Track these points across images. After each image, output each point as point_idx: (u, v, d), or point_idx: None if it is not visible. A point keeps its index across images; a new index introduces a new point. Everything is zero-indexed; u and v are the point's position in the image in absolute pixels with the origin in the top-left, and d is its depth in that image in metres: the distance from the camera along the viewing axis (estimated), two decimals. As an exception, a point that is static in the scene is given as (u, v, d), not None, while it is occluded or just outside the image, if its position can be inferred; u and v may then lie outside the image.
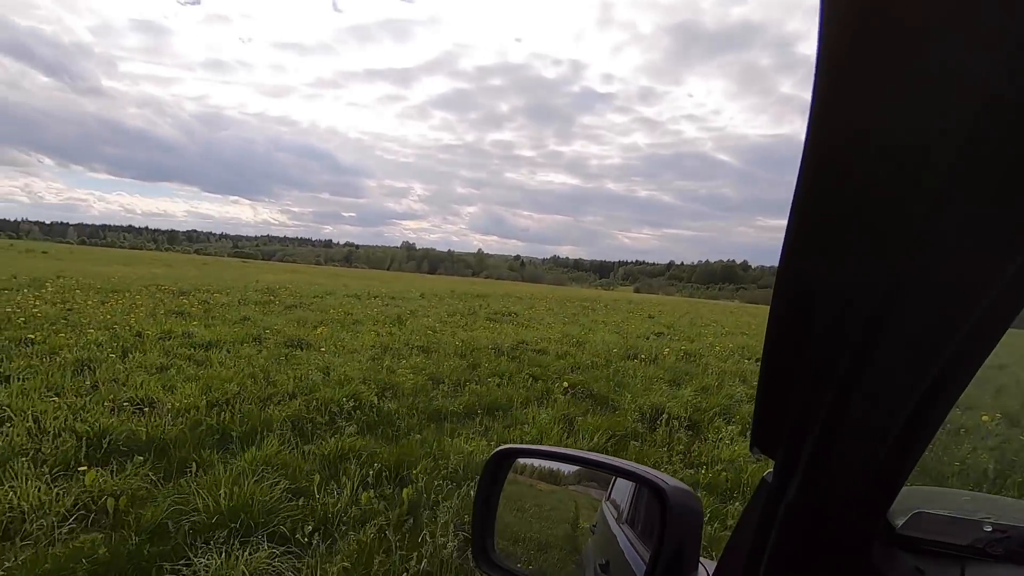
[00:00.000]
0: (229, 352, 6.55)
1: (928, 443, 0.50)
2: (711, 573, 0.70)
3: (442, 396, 5.51)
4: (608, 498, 0.90)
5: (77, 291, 11.67)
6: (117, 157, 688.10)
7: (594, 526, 0.91)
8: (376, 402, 4.91)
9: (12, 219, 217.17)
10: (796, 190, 0.37)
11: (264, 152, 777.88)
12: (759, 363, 0.50)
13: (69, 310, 8.73)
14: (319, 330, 8.63)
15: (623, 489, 0.86)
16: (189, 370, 5.50)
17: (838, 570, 0.58)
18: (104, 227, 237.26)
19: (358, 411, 4.65)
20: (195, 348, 6.60)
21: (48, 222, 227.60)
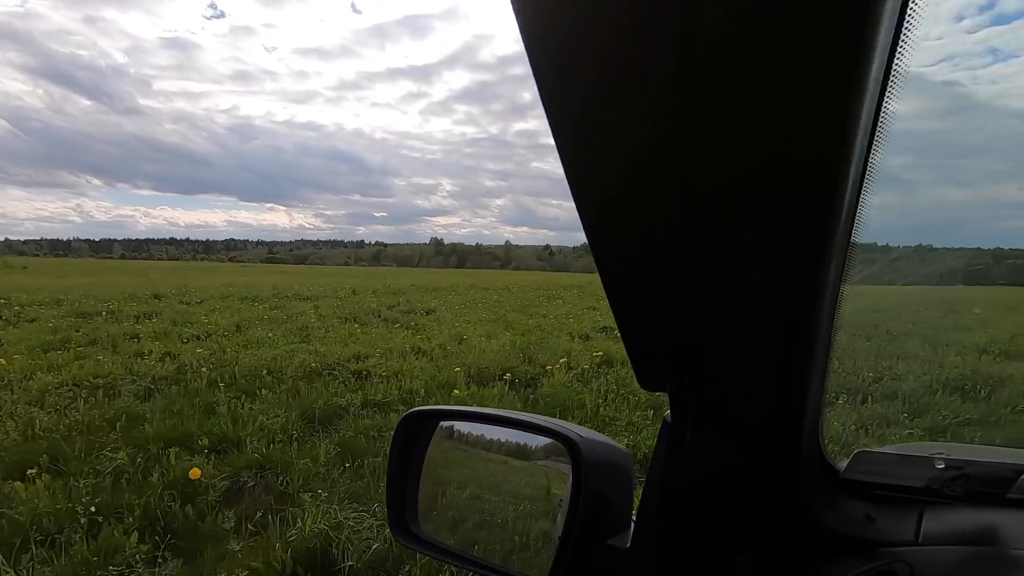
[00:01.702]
0: None
1: (826, 367, 0.51)
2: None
3: None
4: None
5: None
6: (157, 173, 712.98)
7: (561, 498, 0.77)
8: None
9: (65, 238, 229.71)
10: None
11: (294, 158, 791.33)
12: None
13: None
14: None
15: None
16: None
17: (763, 517, 0.58)
18: (148, 241, 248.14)
19: None
20: None
21: (97, 239, 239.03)
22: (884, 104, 0.37)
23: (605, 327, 9.07)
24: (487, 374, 5.89)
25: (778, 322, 0.46)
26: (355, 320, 10.31)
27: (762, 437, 0.56)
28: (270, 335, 8.28)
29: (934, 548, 0.59)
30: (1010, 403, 5.24)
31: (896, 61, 0.35)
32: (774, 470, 0.57)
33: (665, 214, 0.39)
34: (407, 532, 0.84)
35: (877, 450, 0.63)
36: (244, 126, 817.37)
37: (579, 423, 0.92)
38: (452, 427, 0.90)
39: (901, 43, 0.34)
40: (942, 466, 0.59)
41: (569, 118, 0.35)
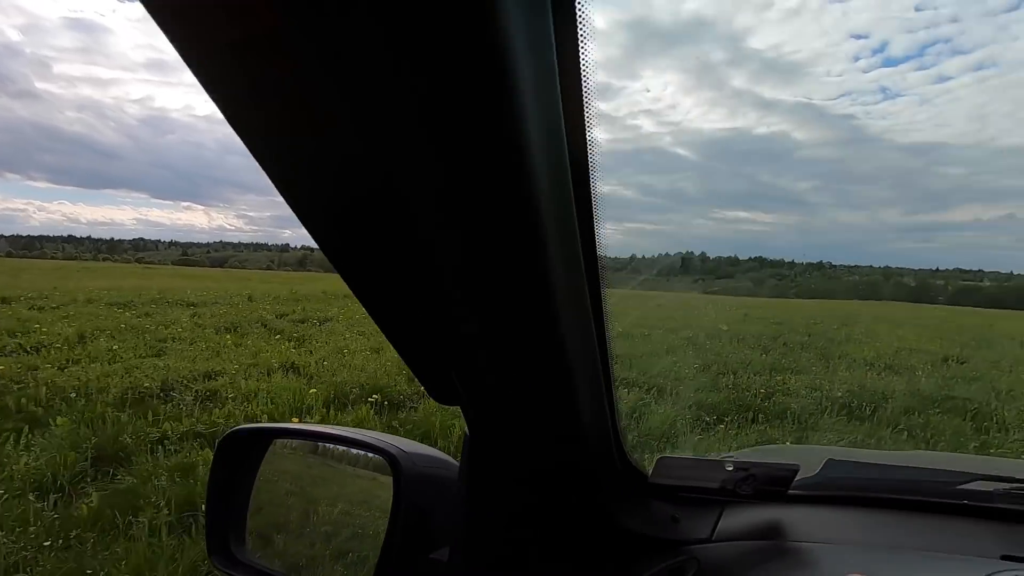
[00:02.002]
0: None
1: (608, 376, 0.56)
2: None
3: None
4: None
5: None
6: (56, 164, 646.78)
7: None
8: None
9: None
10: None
11: (216, 156, 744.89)
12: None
13: None
14: None
15: None
16: None
17: (570, 525, 0.62)
18: (41, 238, 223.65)
19: None
20: None
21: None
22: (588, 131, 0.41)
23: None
24: (356, 395, 5.17)
25: (543, 337, 0.48)
26: (234, 330, 9.19)
27: (557, 449, 0.59)
28: (116, 347, 7.10)
29: (724, 544, 0.69)
30: (891, 422, 5.20)
31: (586, 98, 0.39)
32: (575, 480, 0.61)
33: (408, 234, 0.40)
34: (228, 558, 0.79)
35: (677, 456, 0.69)
36: (159, 119, 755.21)
37: (444, 451, 0.83)
38: (283, 445, 0.89)
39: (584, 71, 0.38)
40: (731, 468, 0.66)
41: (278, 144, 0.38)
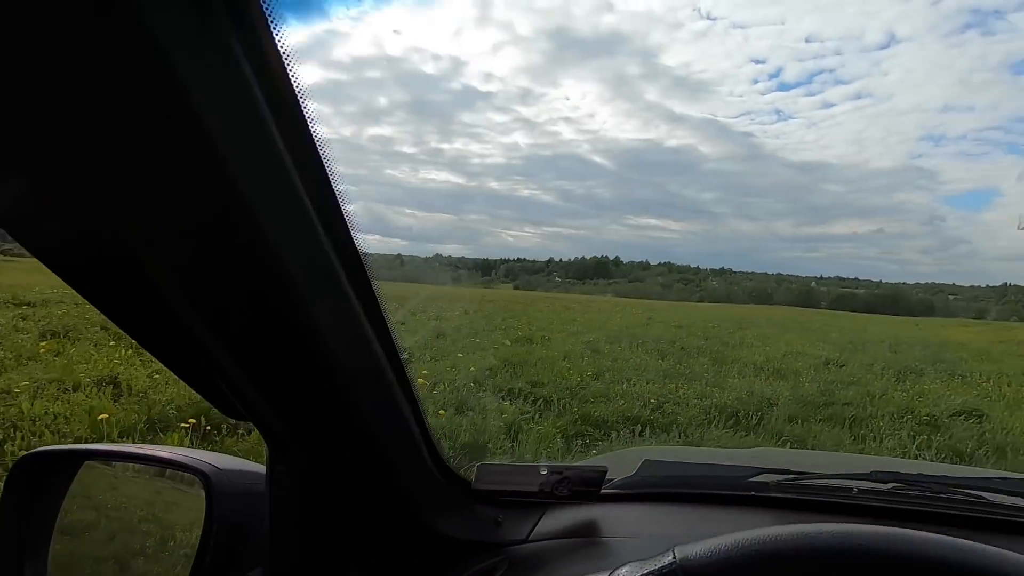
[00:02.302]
0: None
1: (406, 385, 0.57)
2: None
3: None
4: None
5: None
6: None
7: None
8: None
9: None
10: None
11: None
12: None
13: None
14: None
15: None
16: None
17: (387, 537, 0.64)
18: None
19: None
20: None
21: None
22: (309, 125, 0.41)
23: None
24: (176, 418, 4.22)
25: (305, 351, 0.48)
26: (64, 335, 7.67)
27: (358, 469, 0.59)
28: None
29: (538, 543, 0.73)
30: (776, 432, 5.05)
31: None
32: (385, 495, 0.62)
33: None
34: None
35: (497, 463, 0.74)
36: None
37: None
38: (92, 468, 0.85)
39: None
40: (545, 472, 0.72)
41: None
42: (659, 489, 0.89)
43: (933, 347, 13.15)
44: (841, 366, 9.08)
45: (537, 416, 4.90)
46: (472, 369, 6.16)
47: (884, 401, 6.18)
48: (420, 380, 5.40)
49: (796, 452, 2.90)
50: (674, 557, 0.47)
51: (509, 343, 8.87)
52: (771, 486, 0.87)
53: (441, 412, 4.77)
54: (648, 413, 5.30)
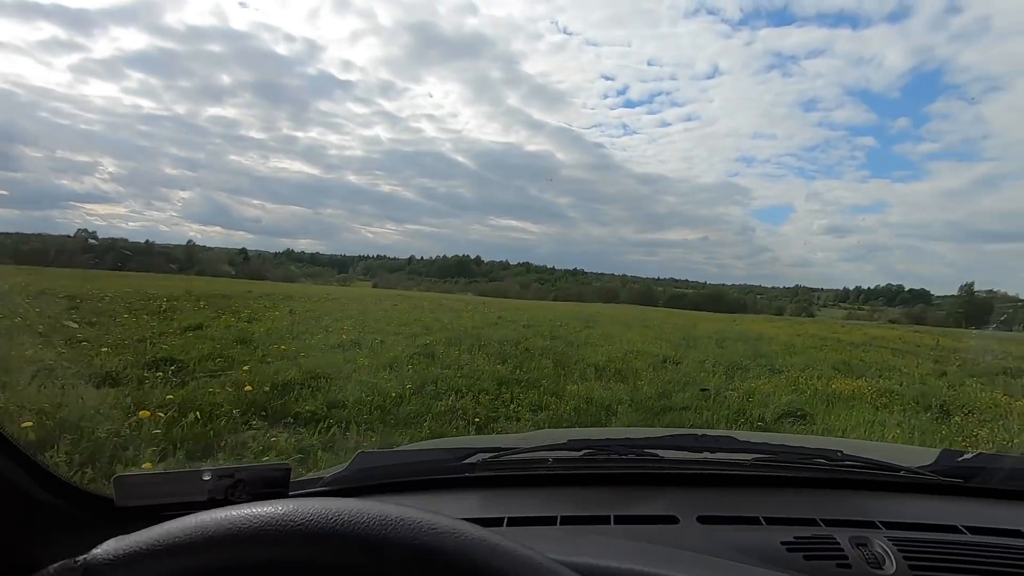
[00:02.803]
0: None
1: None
2: None
3: None
4: None
5: None
6: None
7: None
8: None
9: None
10: None
11: None
12: None
13: None
14: None
15: None
16: None
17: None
18: None
19: None
20: None
21: None
22: None
23: (168, 359, 5.92)
24: None
25: None
26: None
27: None
28: None
29: None
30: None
31: None
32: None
33: None
34: None
35: (137, 473, 0.71)
36: None
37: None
38: None
39: None
40: (210, 477, 0.67)
41: None
42: (372, 482, 0.88)
43: (751, 341, 14.32)
44: (677, 363, 9.13)
45: (322, 451, 3.66)
46: (248, 390, 4.68)
47: (719, 404, 5.99)
48: (170, 399, 3.82)
49: (582, 430, 2.60)
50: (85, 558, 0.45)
51: (324, 349, 7.42)
52: (477, 466, 0.90)
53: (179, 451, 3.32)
54: (472, 433, 4.36)
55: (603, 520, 0.79)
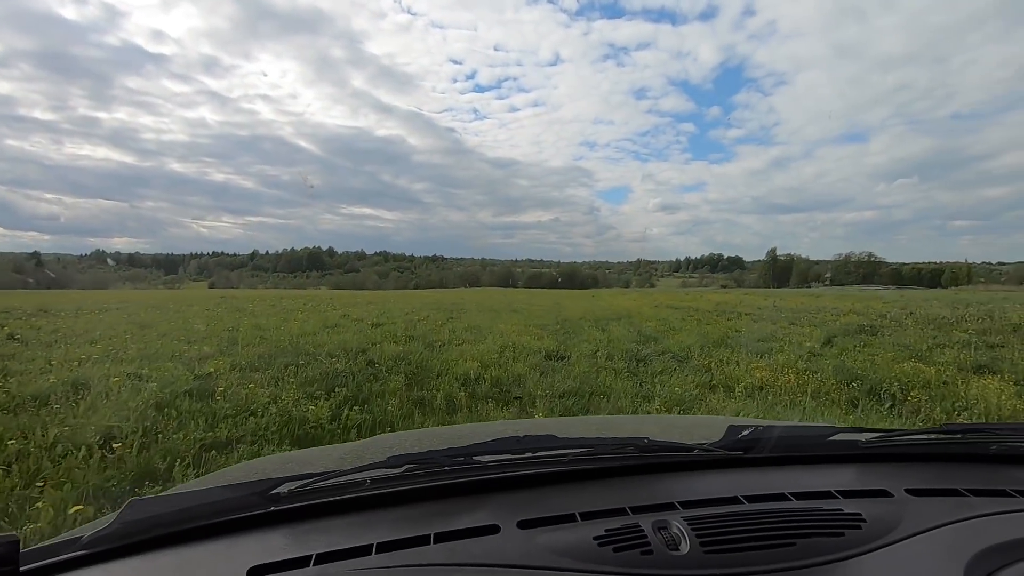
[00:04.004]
0: None
1: None
2: None
3: None
4: None
5: None
6: None
7: None
8: None
9: None
10: None
11: None
12: None
13: None
14: None
15: None
16: None
17: None
18: None
19: None
20: None
21: None
22: None
23: None
24: None
25: None
26: None
27: None
28: None
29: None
30: None
31: None
32: None
33: None
34: None
35: None
36: None
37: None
38: None
39: None
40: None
41: None
42: (145, 536, 0.73)
43: (625, 320, 13.38)
44: (563, 358, 7.42)
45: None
46: None
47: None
48: None
49: (427, 431, 1.88)
50: None
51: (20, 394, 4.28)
52: (283, 498, 0.81)
53: None
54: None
55: (423, 540, 0.74)
